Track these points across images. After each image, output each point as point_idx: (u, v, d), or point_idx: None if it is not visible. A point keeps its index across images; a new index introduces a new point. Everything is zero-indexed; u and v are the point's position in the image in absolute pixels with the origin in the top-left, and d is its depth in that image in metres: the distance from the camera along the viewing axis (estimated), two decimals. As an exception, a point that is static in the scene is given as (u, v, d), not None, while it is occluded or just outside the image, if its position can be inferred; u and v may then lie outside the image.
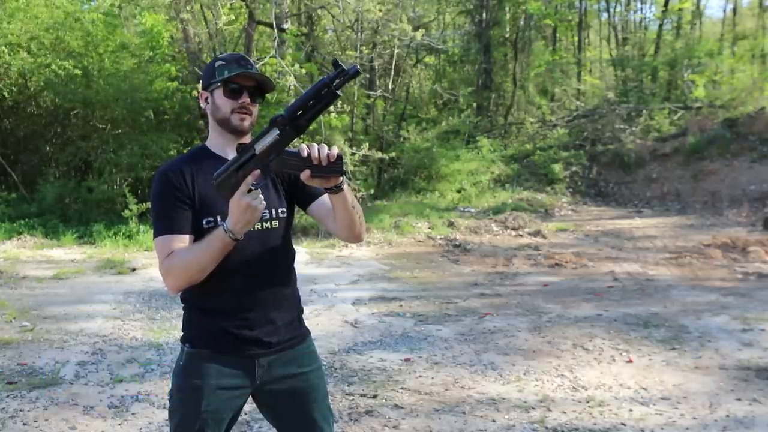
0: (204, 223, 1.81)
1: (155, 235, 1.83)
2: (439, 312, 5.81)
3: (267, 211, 1.85)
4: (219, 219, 1.79)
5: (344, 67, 1.56)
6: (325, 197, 1.86)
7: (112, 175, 12.07)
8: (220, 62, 1.87)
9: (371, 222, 10.86)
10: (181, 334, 1.93)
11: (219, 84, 1.84)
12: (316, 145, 1.65)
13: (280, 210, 1.90)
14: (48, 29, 11.58)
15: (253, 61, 1.96)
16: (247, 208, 1.66)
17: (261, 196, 1.69)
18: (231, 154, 1.82)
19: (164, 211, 1.82)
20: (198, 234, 1.81)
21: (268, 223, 1.87)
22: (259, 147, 1.67)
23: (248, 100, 1.84)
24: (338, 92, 1.59)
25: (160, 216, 1.82)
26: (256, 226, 1.82)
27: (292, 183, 1.93)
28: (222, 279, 1.79)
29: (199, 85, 8.83)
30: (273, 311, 1.88)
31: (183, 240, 1.80)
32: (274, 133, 1.65)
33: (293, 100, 1.68)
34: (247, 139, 1.86)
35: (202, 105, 1.92)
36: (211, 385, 1.83)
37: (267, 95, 1.98)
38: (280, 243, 1.90)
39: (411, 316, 5.68)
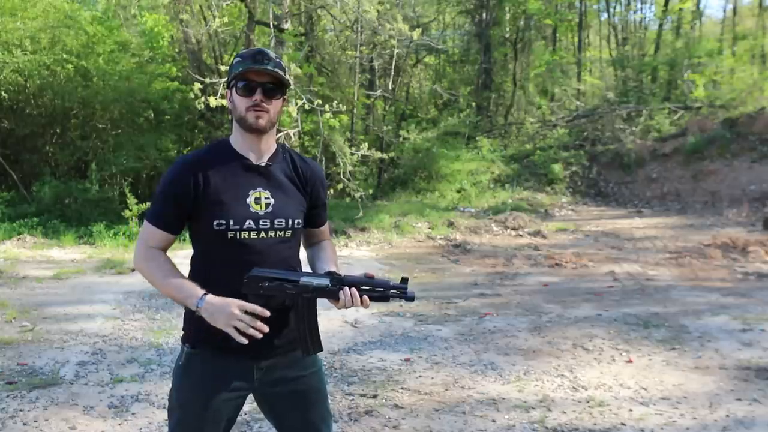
0: (215, 224, 1.79)
1: (147, 216, 1.88)
2: (439, 312, 5.81)
3: (283, 221, 1.85)
4: (232, 223, 1.78)
5: (407, 289, 1.80)
6: (320, 230, 2.03)
7: (112, 175, 12.08)
8: (238, 58, 1.83)
9: (371, 222, 10.86)
10: (182, 333, 1.93)
11: (235, 82, 1.82)
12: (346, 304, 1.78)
13: (296, 221, 1.88)
14: (44, 29, 11.53)
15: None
16: (230, 317, 1.71)
17: (247, 327, 1.71)
18: (253, 156, 1.85)
19: (164, 201, 1.84)
20: (206, 233, 1.80)
21: (282, 233, 1.85)
22: (305, 280, 1.79)
23: (261, 97, 1.80)
24: (390, 299, 1.81)
25: (159, 204, 1.85)
26: (269, 234, 1.83)
27: (313, 203, 1.95)
28: (227, 282, 1.78)
29: (196, 87, 8.80)
30: (275, 318, 1.85)
31: (164, 237, 1.85)
32: (325, 282, 1.79)
33: (361, 273, 1.83)
34: (269, 139, 1.87)
35: (228, 105, 1.91)
36: (210, 386, 1.83)
37: None
38: (289, 253, 1.89)
39: (411, 316, 5.68)
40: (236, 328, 1.71)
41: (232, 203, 1.79)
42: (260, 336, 1.72)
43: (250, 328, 1.71)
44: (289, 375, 1.90)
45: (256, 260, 1.80)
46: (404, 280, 1.82)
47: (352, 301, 1.77)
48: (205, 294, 1.75)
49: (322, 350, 1.88)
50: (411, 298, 1.80)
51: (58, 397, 3.81)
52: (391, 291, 1.80)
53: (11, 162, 12.26)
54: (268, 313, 1.73)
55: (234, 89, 1.82)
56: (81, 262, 8.29)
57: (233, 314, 1.70)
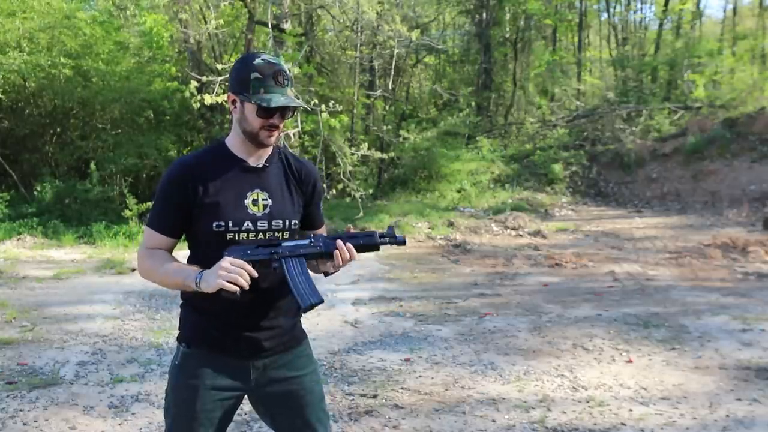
0: (214, 226, 1.80)
1: (147, 221, 1.90)
2: (439, 312, 5.81)
3: (280, 221, 1.86)
4: (231, 224, 1.80)
5: (395, 234, 1.86)
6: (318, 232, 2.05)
7: (112, 175, 12.08)
8: (256, 74, 1.76)
9: (371, 222, 10.85)
10: (178, 333, 1.94)
11: (252, 100, 1.77)
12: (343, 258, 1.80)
13: (292, 222, 1.89)
14: (43, 29, 11.50)
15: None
16: (225, 271, 1.66)
17: (235, 277, 1.68)
18: (251, 159, 1.86)
19: (163, 205, 1.85)
20: (205, 235, 1.81)
21: (280, 234, 1.86)
22: (286, 245, 1.80)
23: (279, 120, 1.81)
24: (380, 246, 1.86)
25: (158, 209, 1.87)
26: (267, 235, 1.84)
27: (307, 202, 1.96)
28: None
29: (192, 85, 8.76)
30: (271, 317, 1.87)
31: (164, 241, 1.86)
32: (313, 242, 1.81)
33: (346, 229, 1.86)
34: (268, 152, 1.89)
35: (228, 106, 1.89)
36: (206, 385, 1.84)
37: None
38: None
39: (411, 316, 5.68)
40: (228, 282, 1.67)
41: (230, 205, 1.80)
42: (247, 286, 1.68)
43: (239, 278, 1.67)
44: (283, 375, 1.91)
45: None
46: (390, 228, 1.87)
47: (348, 254, 1.78)
48: (201, 271, 1.75)
49: (322, 301, 1.82)
50: (402, 242, 1.86)
51: (58, 397, 3.81)
52: (381, 239, 1.84)
53: (11, 162, 12.26)
54: (256, 274, 1.71)
55: (255, 108, 1.77)
56: (81, 262, 8.29)
57: (223, 267, 1.68)
